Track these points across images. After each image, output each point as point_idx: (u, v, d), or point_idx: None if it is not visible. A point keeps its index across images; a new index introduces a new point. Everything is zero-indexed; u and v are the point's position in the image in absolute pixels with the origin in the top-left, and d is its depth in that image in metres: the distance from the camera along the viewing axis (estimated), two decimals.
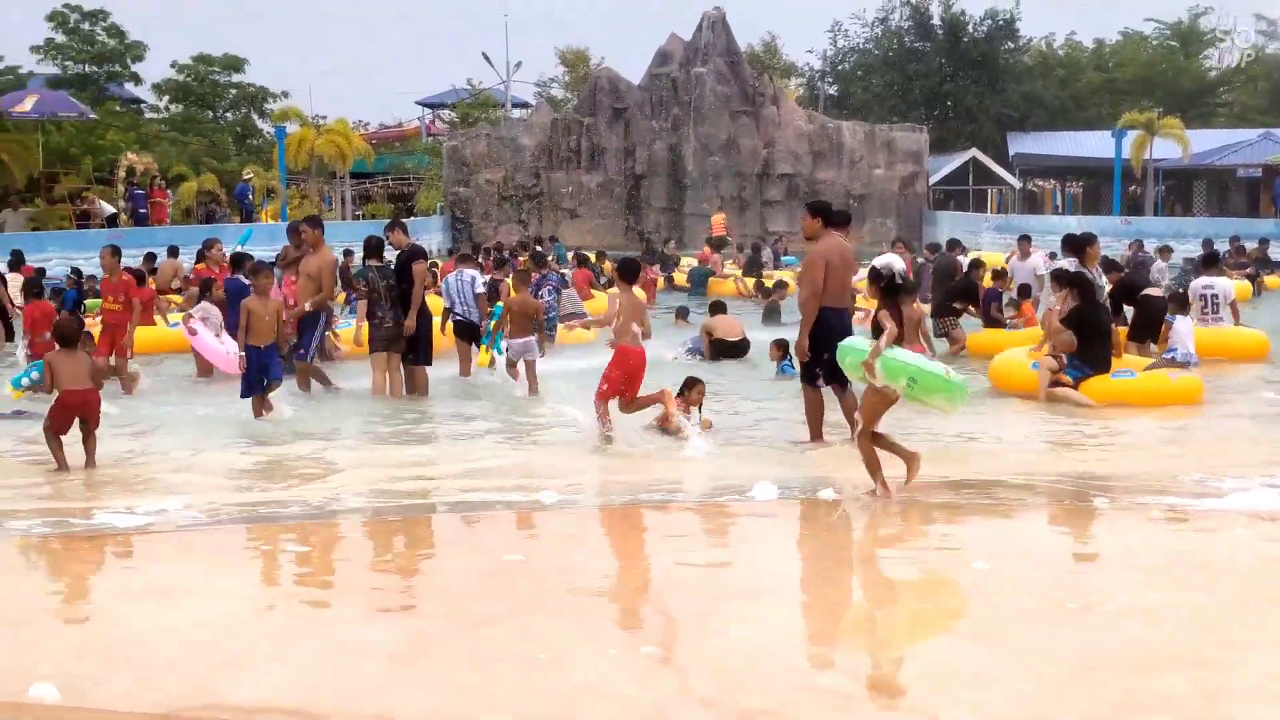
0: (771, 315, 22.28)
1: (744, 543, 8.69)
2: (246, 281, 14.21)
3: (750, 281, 28.27)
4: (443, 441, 12.27)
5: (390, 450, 11.68)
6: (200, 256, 20.51)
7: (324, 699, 5.46)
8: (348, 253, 24.76)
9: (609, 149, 47.44)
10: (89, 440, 10.89)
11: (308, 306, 14.35)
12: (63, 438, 10.83)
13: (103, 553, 8.41)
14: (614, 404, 11.75)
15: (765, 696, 5.49)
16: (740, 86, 46.66)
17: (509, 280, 16.03)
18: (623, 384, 11.69)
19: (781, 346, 15.34)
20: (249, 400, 13.05)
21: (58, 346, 11.24)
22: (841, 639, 6.52)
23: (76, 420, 10.86)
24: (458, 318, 16.10)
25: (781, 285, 24.06)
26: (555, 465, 10.90)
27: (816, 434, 11.52)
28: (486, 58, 63.27)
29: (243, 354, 12.90)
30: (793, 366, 14.58)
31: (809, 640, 6.52)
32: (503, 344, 14.97)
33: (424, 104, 68.63)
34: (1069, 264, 15.83)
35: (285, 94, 57.40)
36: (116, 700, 5.49)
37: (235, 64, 56.67)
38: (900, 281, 9.54)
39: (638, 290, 12.45)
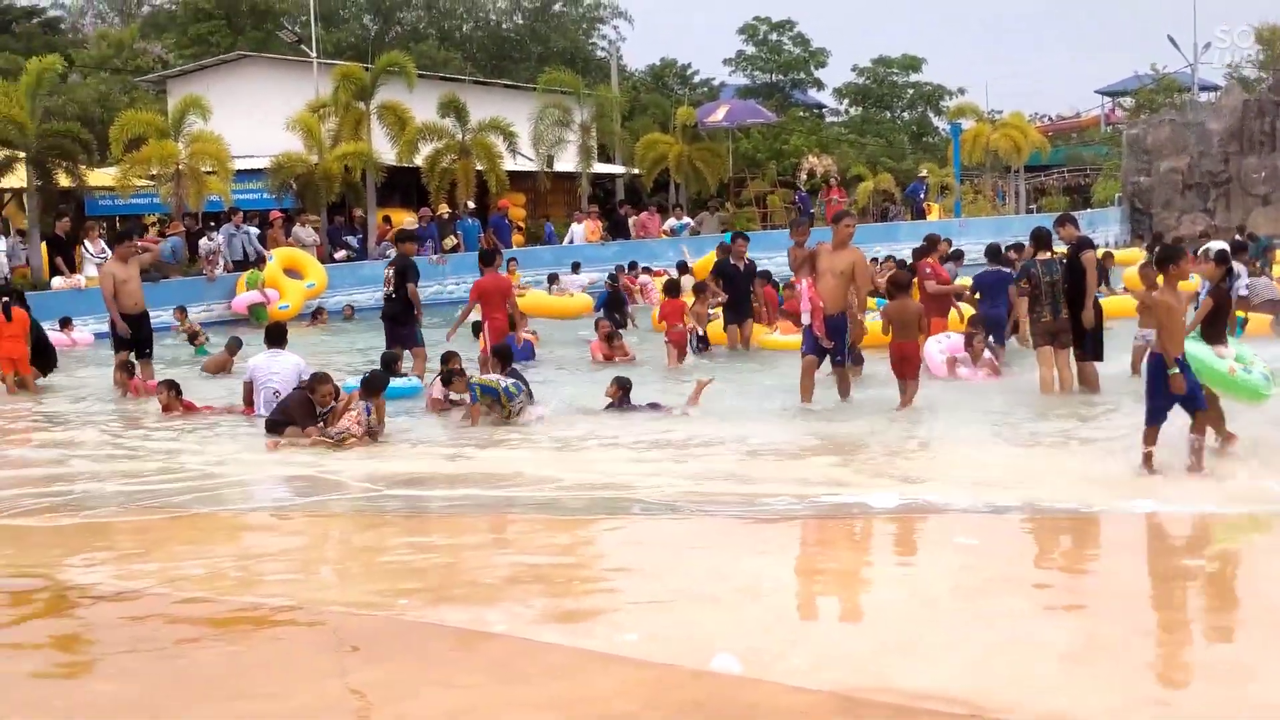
0: None
1: None
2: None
3: None
4: (1104, 440, 11.53)
5: (1052, 451, 11.02)
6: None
7: (993, 693, 5.43)
8: (1018, 247, 24.16)
9: None
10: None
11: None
12: None
13: (794, 533, 8.75)
14: None
15: None
16: None
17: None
18: None
19: None
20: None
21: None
22: None
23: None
24: None
25: None
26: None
27: None
28: (1172, 40, 60.12)
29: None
30: None
31: None
32: None
33: (1103, 92, 66.39)
34: None
35: (961, 91, 57.44)
36: (794, 675, 5.73)
37: (914, 64, 57.54)
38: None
39: None
